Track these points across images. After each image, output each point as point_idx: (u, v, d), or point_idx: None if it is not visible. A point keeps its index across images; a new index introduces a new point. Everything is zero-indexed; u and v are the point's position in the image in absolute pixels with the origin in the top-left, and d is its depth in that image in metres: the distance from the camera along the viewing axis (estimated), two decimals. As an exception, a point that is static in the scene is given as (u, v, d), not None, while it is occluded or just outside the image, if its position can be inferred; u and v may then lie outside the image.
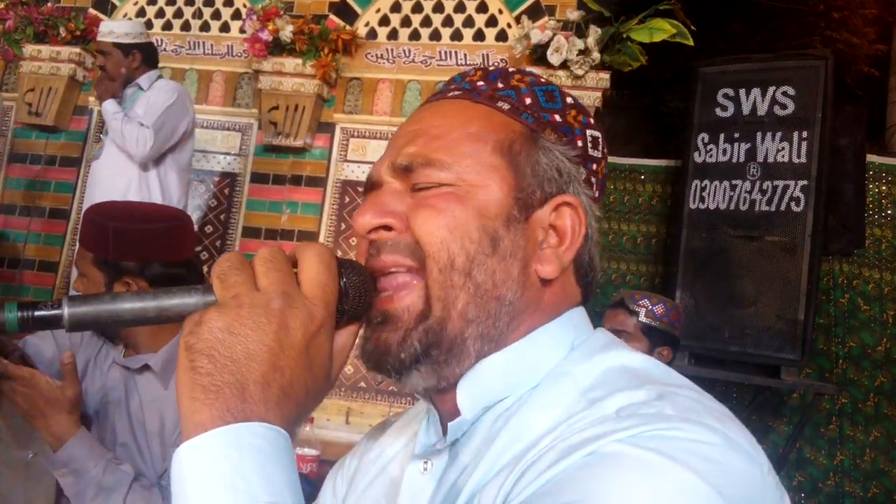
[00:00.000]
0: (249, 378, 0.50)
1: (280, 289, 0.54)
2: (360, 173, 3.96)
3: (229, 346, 0.51)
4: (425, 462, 0.67)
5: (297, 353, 0.53)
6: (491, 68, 0.75)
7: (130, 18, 4.30)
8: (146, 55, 3.38)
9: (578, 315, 0.69)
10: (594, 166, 0.72)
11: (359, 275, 0.62)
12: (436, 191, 0.65)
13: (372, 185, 0.71)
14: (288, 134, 3.90)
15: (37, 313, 0.54)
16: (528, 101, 0.70)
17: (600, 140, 0.73)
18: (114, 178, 3.26)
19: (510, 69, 0.74)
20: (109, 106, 3.23)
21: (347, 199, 3.94)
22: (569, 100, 0.72)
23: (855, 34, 5.30)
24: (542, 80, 0.73)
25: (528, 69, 0.76)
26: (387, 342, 0.63)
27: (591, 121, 0.73)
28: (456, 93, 0.72)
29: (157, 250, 1.61)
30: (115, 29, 3.33)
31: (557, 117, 0.70)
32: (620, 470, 0.48)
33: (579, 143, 0.70)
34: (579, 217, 0.67)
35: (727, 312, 3.14)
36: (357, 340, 0.65)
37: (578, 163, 0.69)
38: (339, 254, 0.91)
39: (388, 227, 0.66)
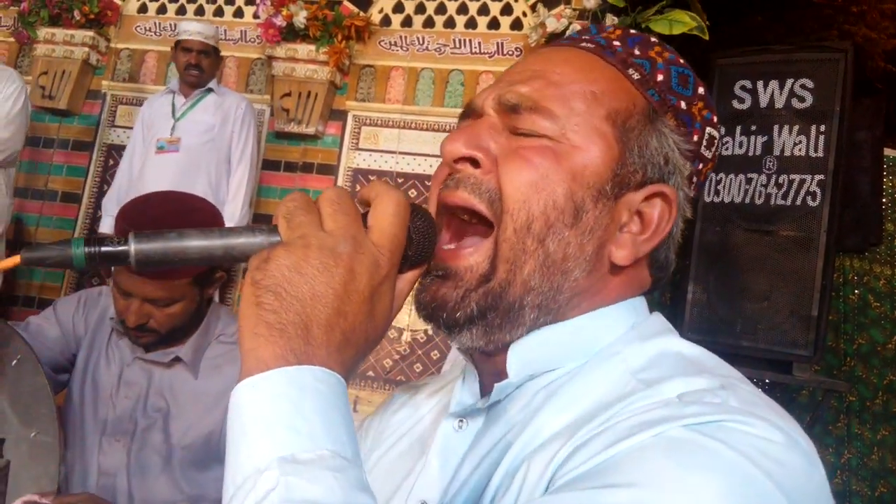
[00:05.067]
0: (314, 320, 0.49)
1: (348, 232, 0.53)
2: (371, 162, 3.95)
3: (296, 285, 0.49)
4: (460, 420, 0.66)
5: (361, 300, 0.52)
6: (633, 32, 0.70)
7: (142, 3, 4.29)
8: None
9: (640, 302, 0.67)
10: (700, 166, 0.68)
11: (424, 220, 0.60)
12: (535, 141, 0.62)
13: (471, 112, 0.68)
14: (300, 121, 3.89)
15: (104, 249, 0.52)
16: (659, 77, 0.66)
17: (716, 142, 0.69)
18: (192, 171, 3.48)
19: (652, 39, 0.69)
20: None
21: (358, 188, 3.93)
22: (700, 90, 0.68)
23: (873, 29, 5.25)
24: (681, 61, 0.69)
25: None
26: (444, 298, 0.62)
27: (715, 119, 0.69)
28: (589, 45, 0.68)
29: None
30: (214, 34, 3.67)
31: (683, 104, 0.66)
32: (685, 455, 0.47)
33: (695, 138, 0.67)
34: (670, 212, 0.64)
35: (739, 307, 3.12)
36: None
37: (689, 157, 0.66)
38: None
39: (475, 162, 0.63)
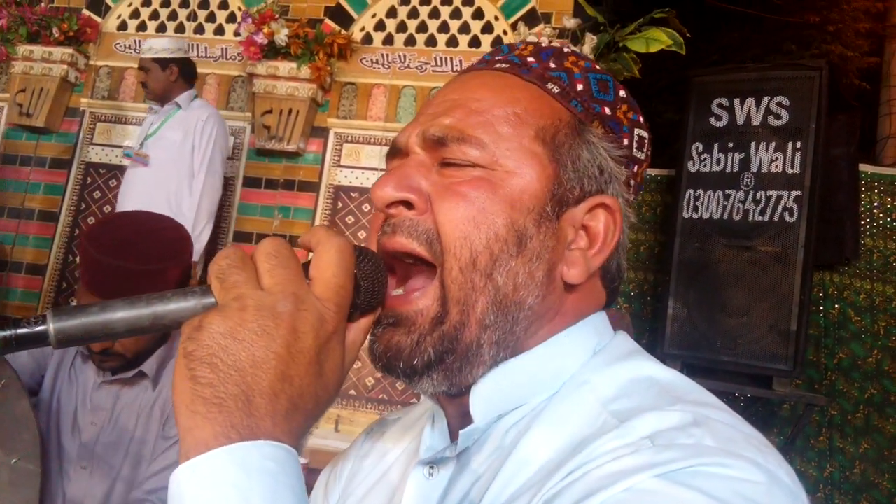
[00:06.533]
0: (256, 389, 0.45)
1: (288, 289, 0.49)
2: (353, 179, 3.94)
3: (233, 353, 0.45)
4: (431, 467, 0.63)
5: (307, 361, 0.48)
6: (544, 45, 0.69)
7: (122, 20, 4.28)
8: (183, 69, 3.62)
9: (599, 319, 0.65)
10: (635, 168, 0.67)
11: (372, 263, 0.57)
12: (467, 172, 0.60)
13: (397, 152, 0.66)
14: (281, 138, 3.88)
15: (19, 331, 0.48)
16: (579, 87, 0.65)
17: (646, 141, 0.68)
18: (157, 188, 3.43)
19: (565, 49, 0.68)
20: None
21: (340, 205, 3.92)
22: (622, 93, 0.67)
23: (848, 47, 5.36)
24: (598, 67, 0.68)
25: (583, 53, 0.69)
26: (399, 346, 0.59)
27: (641, 119, 0.68)
28: (503, 65, 0.66)
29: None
30: (154, 45, 3.57)
31: (607, 110, 0.65)
32: None
33: (625, 142, 0.66)
34: (615, 221, 0.63)
35: (719, 322, 3.13)
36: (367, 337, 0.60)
37: (622, 163, 0.65)
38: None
39: (408, 204, 0.61)
